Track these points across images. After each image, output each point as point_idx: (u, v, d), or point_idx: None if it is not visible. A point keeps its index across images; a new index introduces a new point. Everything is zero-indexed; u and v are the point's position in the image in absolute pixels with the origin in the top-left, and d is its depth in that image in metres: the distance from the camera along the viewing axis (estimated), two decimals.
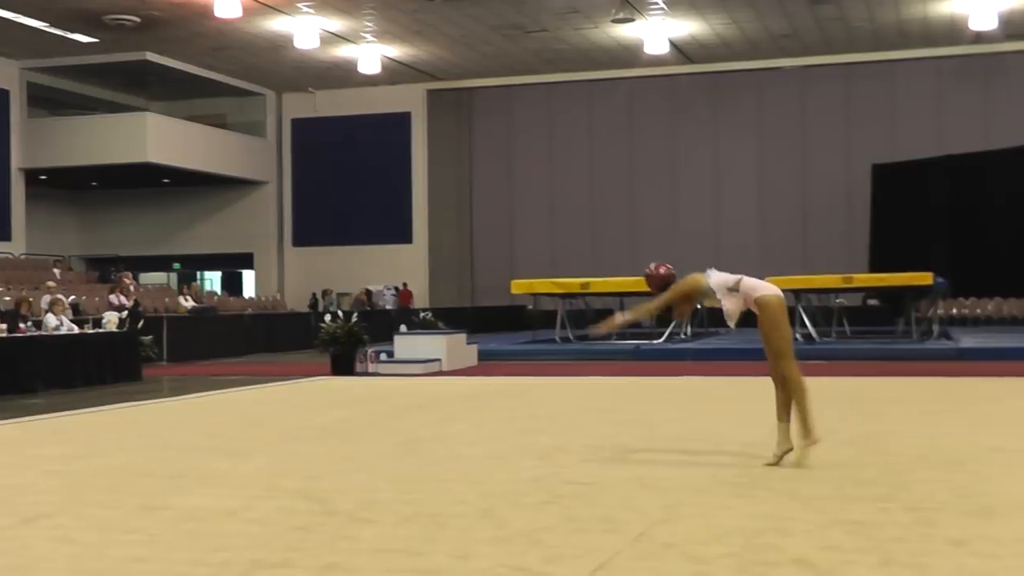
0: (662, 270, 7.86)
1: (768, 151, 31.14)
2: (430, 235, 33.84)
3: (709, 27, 27.12)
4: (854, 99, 30.52)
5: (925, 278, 19.66)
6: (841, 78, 30.52)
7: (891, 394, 12.33)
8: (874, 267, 27.62)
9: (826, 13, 25.96)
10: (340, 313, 18.22)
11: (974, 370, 15.40)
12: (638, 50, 28.03)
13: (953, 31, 27.37)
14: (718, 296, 7.59)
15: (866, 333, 22.96)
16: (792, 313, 20.71)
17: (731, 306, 7.55)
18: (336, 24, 26.49)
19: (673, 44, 28.08)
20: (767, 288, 7.62)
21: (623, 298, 23.89)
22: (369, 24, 26.60)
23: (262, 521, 5.82)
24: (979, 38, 27.65)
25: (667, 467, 7.39)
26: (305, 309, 29.91)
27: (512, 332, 27.12)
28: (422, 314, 20.87)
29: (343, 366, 16.97)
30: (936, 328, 20.92)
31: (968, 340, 20.01)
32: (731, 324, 7.71)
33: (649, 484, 6.70)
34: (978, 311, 28.10)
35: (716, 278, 7.67)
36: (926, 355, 18.14)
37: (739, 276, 7.66)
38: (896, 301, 24.28)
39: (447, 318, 21.79)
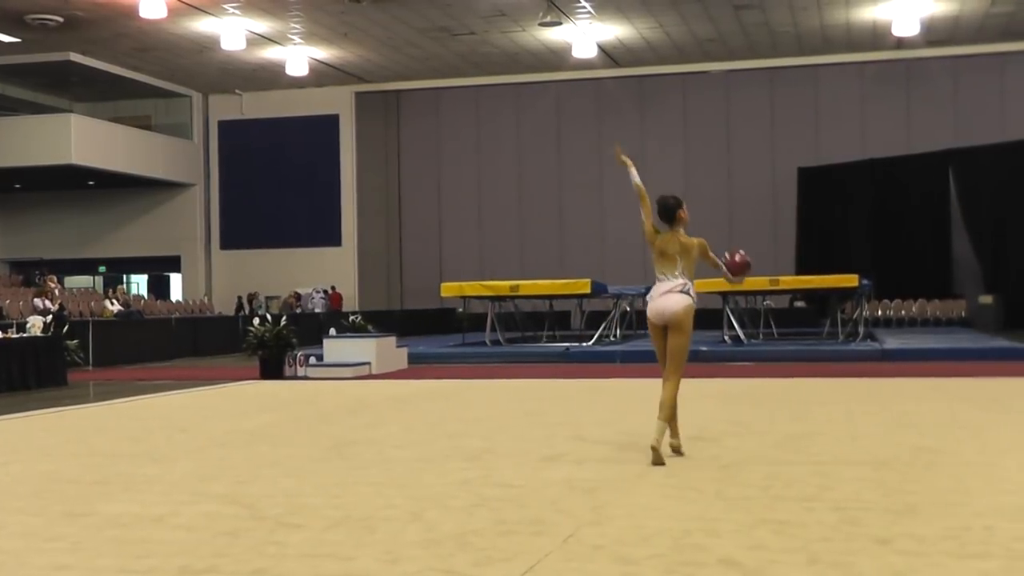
0: (736, 257, 8.31)
1: (695, 154, 31.42)
2: (359, 238, 33.69)
3: (635, 31, 27.29)
4: (779, 103, 30.90)
5: (850, 280, 19.93)
6: (766, 82, 30.88)
7: (817, 395, 12.48)
8: (800, 269, 27.97)
9: (751, 18, 26.23)
10: (269, 316, 18.06)
11: (898, 371, 15.63)
12: (565, 53, 28.13)
13: (876, 37, 27.81)
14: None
15: (793, 334, 23.22)
16: (720, 315, 20.98)
17: None
18: (262, 26, 26.28)
19: (600, 48, 28.22)
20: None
21: (552, 301, 24.00)
22: (296, 26, 26.43)
23: (189, 527, 5.74)
24: (901, 44, 28.12)
25: (596, 469, 7.40)
26: (233, 313, 29.64)
27: (442, 335, 27.09)
28: (351, 317, 20.72)
29: (272, 370, 16.83)
30: (861, 329, 21.20)
31: (892, 341, 20.32)
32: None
33: (578, 486, 6.71)
34: (902, 312, 28.56)
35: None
36: (851, 356, 18.39)
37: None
38: (822, 303, 24.61)
39: (376, 321, 21.68)
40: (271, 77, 31.06)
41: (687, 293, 7.80)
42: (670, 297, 7.74)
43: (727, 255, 8.30)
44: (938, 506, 5.97)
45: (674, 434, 7.93)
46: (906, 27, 25.41)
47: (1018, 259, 27.19)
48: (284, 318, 18.02)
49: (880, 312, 28.25)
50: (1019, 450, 7.92)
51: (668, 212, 8.18)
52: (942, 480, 6.75)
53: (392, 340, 18.42)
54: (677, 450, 7.87)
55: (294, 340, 17.25)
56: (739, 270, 8.29)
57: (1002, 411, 10.47)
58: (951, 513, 5.77)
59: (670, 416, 7.76)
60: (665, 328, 7.80)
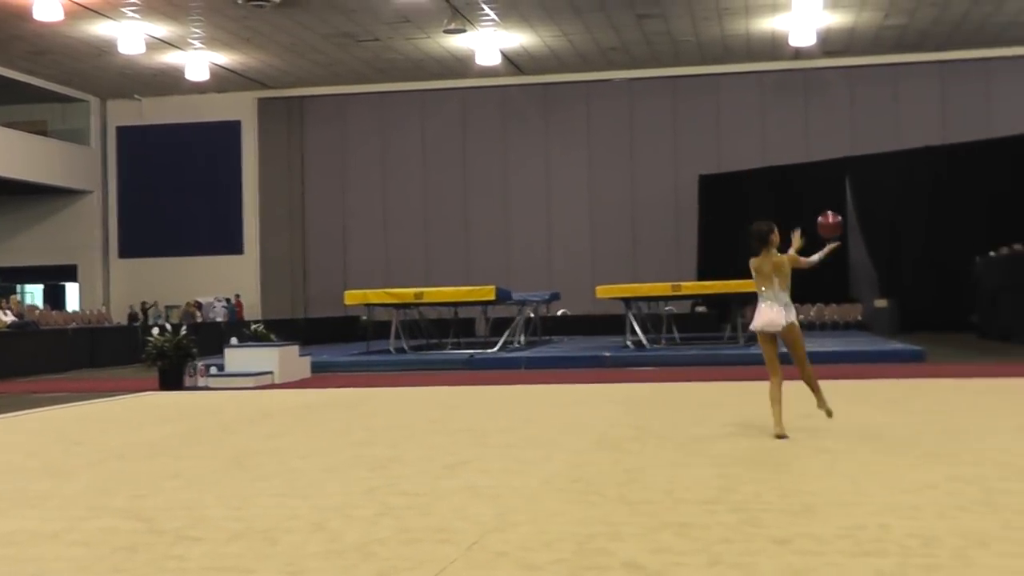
0: (830, 219, 9.57)
1: (598, 162, 31.65)
2: (262, 245, 33.35)
3: (539, 39, 27.42)
4: (681, 111, 31.27)
5: (750, 285, 20.17)
6: (669, 90, 31.23)
7: (718, 398, 12.63)
8: (702, 275, 28.32)
9: (653, 27, 26.52)
10: (168, 326, 17.77)
11: (796, 374, 15.86)
12: (470, 61, 28.17)
13: (774, 47, 28.28)
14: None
15: (694, 339, 23.47)
16: (622, 321, 21.15)
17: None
18: (163, 30, 25.90)
19: (504, 55, 28.30)
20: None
21: (457, 308, 23.98)
22: (197, 30, 26.09)
23: (85, 543, 5.63)
24: (799, 54, 28.64)
25: (500, 475, 7.41)
26: (134, 323, 29.13)
27: (346, 343, 26.92)
28: (253, 326, 20.49)
29: (172, 381, 16.56)
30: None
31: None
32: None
33: (482, 493, 6.71)
34: (801, 317, 28.96)
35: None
36: (752, 360, 18.61)
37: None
38: (723, 308, 24.90)
39: (279, 330, 21.47)
40: (172, 82, 30.62)
41: (785, 311, 9.13)
42: (772, 317, 9.12)
43: (820, 218, 9.59)
44: (835, 506, 6.08)
45: (821, 402, 9.37)
46: (803, 38, 25.88)
47: (912, 264, 27.84)
48: (184, 327, 17.74)
49: None
50: (910, 449, 8.10)
51: (761, 237, 9.34)
52: (839, 480, 6.88)
53: (295, 349, 18.25)
54: (829, 413, 9.33)
55: (194, 350, 16.99)
56: (831, 229, 9.62)
57: (897, 412, 10.70)
58: (848, 512, 5.87)
59: (816, 387, 9.35)
60: (774, 336, 9.20)
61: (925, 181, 27.77)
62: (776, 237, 9.27)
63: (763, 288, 9.21)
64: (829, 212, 9.55)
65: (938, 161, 27.89)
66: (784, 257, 9.17)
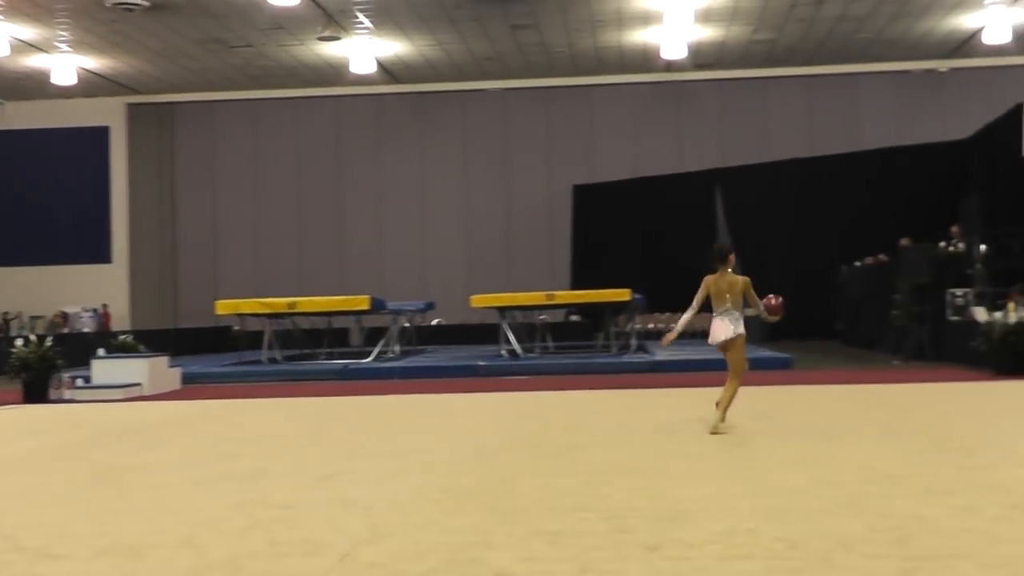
0: (773, 301, 10.11)
1: (473, 171, 31.71)
2: (131, 254, 32.63)
3: (414, 48, 27.38)
4: (555, 121, 31.50)
5: (623, 294, 20.46)
6: (543, 101, 31.43)
7: (591, 406, 12.74)
8: (576, 284, 28.56)
9: (527, 38, 26.68)
10: (33, 337, 17.28)
11: (668, 381, 16.12)
12: (344, 68, 27.97)
13: (647, 59, 28.67)
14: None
15: (568, 348, 23.65)
16: (497, 330, 21.22)
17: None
18: (28, 32, 25.18)
19: (379, 63, 28.18)
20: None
21: (331, 317, 23.79)
22: (64, 33, 25.43)
23: None
24: (670, 67, 29.08)
25: (372, 486, 7.37)
26: None
27: (218, 354, 26.49)
28: (121, 337, 20.02)
29: (36, 393, 16.09)
30: (633, 342, 21.78)
31: (662, 353, 20.93)
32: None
33: (354, 504, 6.66)
34: (672, 325, 29.42)
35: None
36: (624, 368, 18.86)
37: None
38: (596, 317, 25.16)
39: (149, 340, 21.01)
40: (37, 86, 29.78)
41: (736, 325, 9.99)
42: (723, 330, 10.02)
43: (767, 299, 10.13)
44: (704, 511, 6.17)
45: (721, 416, 9.87)
46: (675, 51, 26.27)
47: (779, 273, 28.46)
48: (49, 338, 17.27)
49: (651, 325, 29.08)
50: (777, 455, 8.27)
51: (722, 256, 10.16)
52: (707, 486, 6.99)
53: (165, 360, 17.89)
54: (715, 430, 9.69)
55: (60, 362, 16.54)
56: (775, 311, 10.14)
57: (765, 418, 10.92)
58: (716, 518, 5.97)
59: (728, 403, 9.91)
60: (724, 347, 10.09)
61: (792, 192, 28.45)
62: (733, 259, 10.15)
63: (718, 305, 10.10)
64: (774, 297, 10.19)
65: (804, 173, 28.60)
66: (740, 279, 10.03)
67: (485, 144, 31.74)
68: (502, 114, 31.69)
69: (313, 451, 9.36)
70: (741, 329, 10.03)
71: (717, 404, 10.01)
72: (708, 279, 10.16)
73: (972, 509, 6.06)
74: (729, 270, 10.09)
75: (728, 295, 10.03)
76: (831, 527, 5.67)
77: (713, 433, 9.61)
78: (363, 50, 26.68)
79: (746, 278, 10.07)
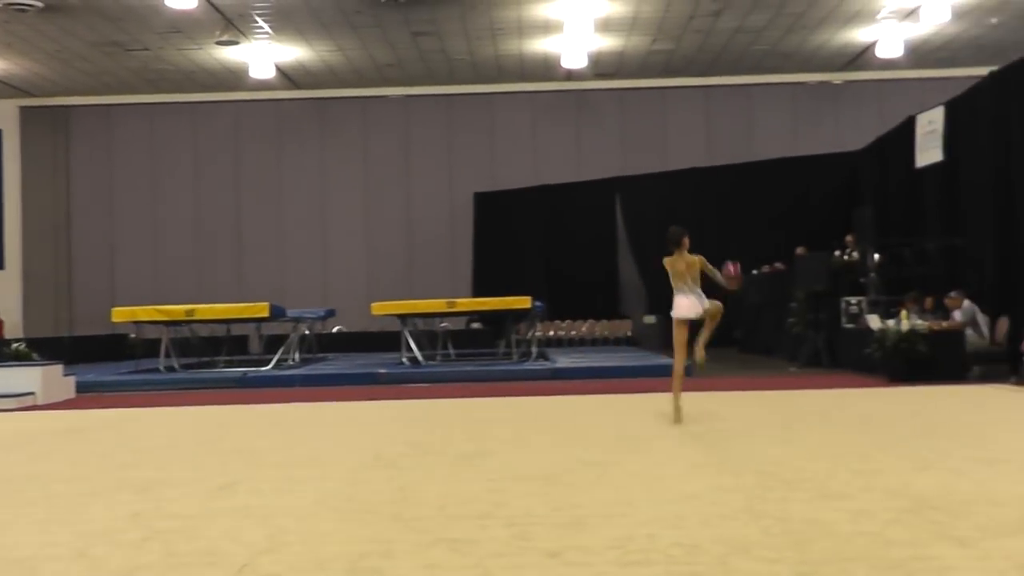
0: (732, 269, 10.93)
1: (374, 178, 31.57)
2: (24, 260, 31.88)
3: (315, 53, 27.20)
4: (456, 129, 31.51)
5: (524, 302, 20.52)
6: (444, 108, 31.43)
7: (493, 414, 12.75)
8: (477, 292, 28.59)
9: (428, 45, 26.66)
10: None
11: (568, 388, 16.20)
12: (243, 74, 27.70)
13: (547, 68, 28.83)
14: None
15: (469, 355, 23.66)
16: (398, 337, 21.14)
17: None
18: None
19: (279, 69, 27.95)
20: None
21: (230, 325, 23.49)
22: None
23: None
24: (571, 76, 29.29)
25: (272, 495, 7.29)
26: None
27: (114, 362, 25.98)
28: (14, 345, 19.53)
29: None
30: (534, 349, 21.86)
31: (563, 360, 21.06)
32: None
33: (253, 514, 6.58)
34: (573, 332, 29.63)
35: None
36: (525, 375, 18.91)
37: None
38: (497, 324, 25.19)
39: (43, 348, 20.50)
40: None
41: (700, 300, 10.74)
42: (689, 305, 10.75)
43: (725, 267, 10.93)
44: (604, 517, 6.21)
45: (699, 346, 11.08)
46: (575, 60, 26.47)
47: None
48: None
49: (552, 332, 29.23)
50: (676, 461, 8.36)
51: (676, 240, 10.82)
52: (608, 492, 7.03)
53: (59, 368, 17.50)
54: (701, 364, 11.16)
55: None
56: (734, 280, 10.87)
57: (664, 424, 11.03)
58: (616, 524, 6.01)
59: (703, 340, 10.98)
60: (688, 323, 10.81)
61: (691, 201, 28.80)
62: (687, 241, 10.79)
63: (678, 283, 10.82)
64: (731, 264, 11.01)
65: (703, 182, 28.98)
66: (696, 259, 10.73)
67: (386, 151, 31.63)
68: (404, 121, 31.62)
69: (212, 460, 9.23)
70: (706, 304, 10.80)
71: (676, 378, 11.09)
72: (667, 260, 10.91)
73: (866, 513, 6.18)
74: (685, 252, 10.78)
75: (687, 274, 10.77)
76: (729, 532, 5.75)
77: (701, 365, 11.18)
78: (262, 55, 26.44)
79: (701, 256, 10.77)
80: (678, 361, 11.06)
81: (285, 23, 24.52)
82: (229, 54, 26.77)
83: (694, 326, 11.07)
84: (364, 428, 11.64)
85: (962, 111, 20.29)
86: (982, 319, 17.00)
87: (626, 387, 16.01)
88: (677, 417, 10.88)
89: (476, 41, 26.43)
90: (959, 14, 24.06)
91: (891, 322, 16.53)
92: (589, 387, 16.21)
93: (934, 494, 6.72)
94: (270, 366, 20.60)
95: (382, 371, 18.99)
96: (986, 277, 18.64)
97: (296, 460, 9.04)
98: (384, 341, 25.41)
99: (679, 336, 10.98)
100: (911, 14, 24.03)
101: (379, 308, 21.08)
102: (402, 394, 16.04)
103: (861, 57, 28.26)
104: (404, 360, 20.70)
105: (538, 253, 29.93)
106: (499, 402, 14.35)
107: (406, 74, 29.62)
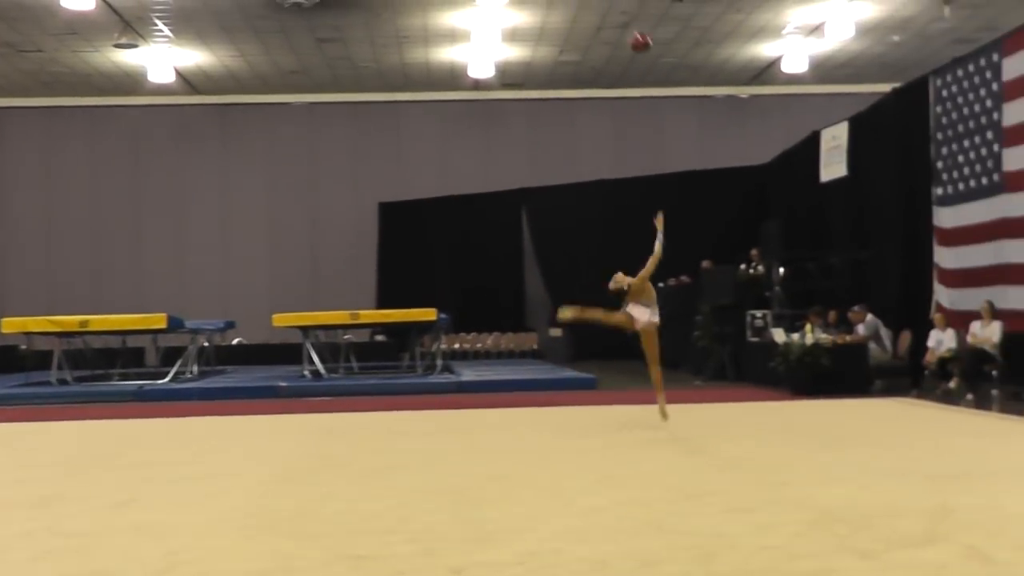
0: (642, 39, 12.00)
1: (278, 186, 31.28)
2: None
3: (216, 58, 26.90)
4: (362, 138, 31.36)
5: (429, 314, 20.49)
6: (350, 116, 31.28)
7: (397, 427, 12.71)
8: (381, 304, 28.47)
9: (333, 52, 26.53)
10: None
11: (474, 402, 16.21)
12: (142, 77, 27.29)
13: (454, 77, 28.85)
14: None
15: (373, 368, 23.55)
16: (300, 350, 20.97)
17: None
18: None
19: (179, 73, 27.60)
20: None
21: (126, 336, 23.10)
22: None
23: None
24: (478, 85, 29.36)
25: (170, 512, 7.18)
26: None
27: (3, 374, 25.38)
28: None
29: None
30: (439, 362, 21.83)
31: (468, 373, 21.06)
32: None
33: (150, 531, 6.48)
34: (479, 345, 29.63)
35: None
36: (430, 388, 18.88)
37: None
38: (402, 337, 25.11)
39: None
40: None
41: (653, 312, 11.69)
42: (646, 316, 11.61)
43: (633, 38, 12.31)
44: (510, 532, 6.23)
45: (662, 405, 11.91)
46: (481, 70, 26.53)
47: (587, 294, 28.90)
48: None
49: (458, 345, 29.21)
50: (583, 475, 8.41)
51: (618, 293, 11.69)
52: (514, 506, 7.06)
53: None
54: (664, 415, 11.80)
55: None
56: (641, 47, 11.79)
57: (571, 437, 11.09)
58: (522, 539, 6.03)
59: (660, 389, 11.91)
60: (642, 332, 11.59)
61: (599, 213, 28.98)
62: (621, 277, 11.79)
63: (631, 302, 11.67)
64: (637, 34, 11.45)
65: (611, 194, 29.17)
66: (643, 283, 11.65)
67: (290, 159, 31.37)
68: (308, 129, 31.40)
69: (108, 476, 9.07)
70: (656, 318, 11.65)
71: (657, 388, 11.94)
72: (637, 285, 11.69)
73: (771, 526, 6.28)
74: (627, 284, 11.72)
75: (642, 295, 11.69)
76: (635, 546, 5.80)
77: (665, 417, 11.73)
78: (162, 59, 26.09)
79: (642, 275, 11.65)
80: (654, 373, 12.03)
81: (185, 26, 24.22)
82: (127, 57, 26.35)
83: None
84: (265, 443, 11.53)
85: (866, 127, 20.76)
86: (885, 333, 17.38)
87: (532, 400, 16.07)
88: (663, 414, 11.90)
89: (382, 48, 26.37)
90: (863, 31, 24.60)
91: (795, 336, 16.83)
92: (495, 400, 16.24)
93: (838, 506, 6.85)
94: (167, 379, 20.29)
95: (283, 384, 18.82)
96: (889, 292, 19.07)
97: (194, 476, 8.92)
98: (286, 354, 25.17)
99: (648, 345, 11.88)
100: (816, 30, 24.51)
101: (281, 320, 20.90)
102: (304, 408, 15.91)
103: (767, 71, 28.76)
104: (306, 373, 20.53)
105: (444, 264, 29.90)
106: (404, 416, 14.31)
107: (311, 81, 29.43)
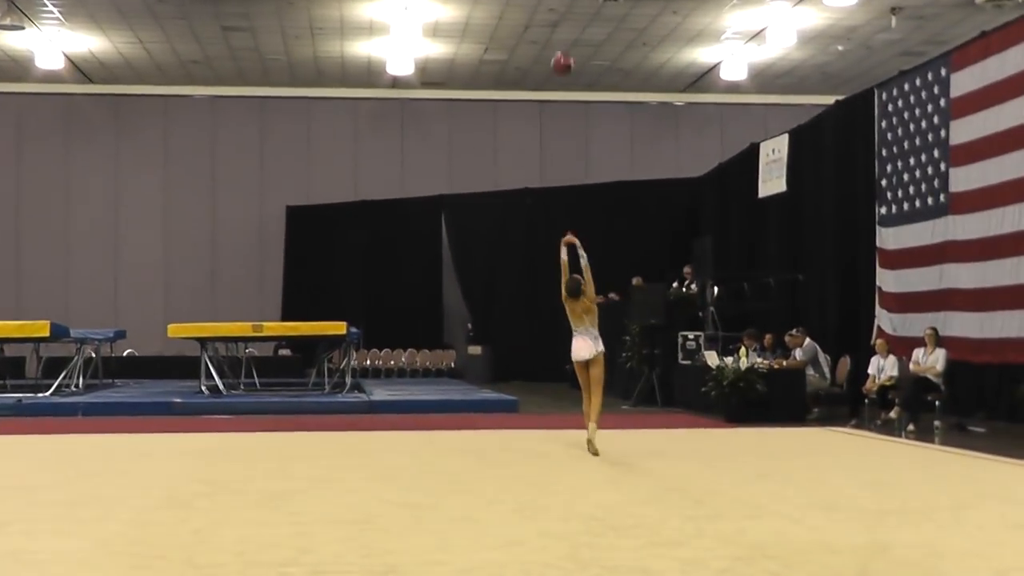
0: (564, 60, 12.27)
1: (176, 185, 30.92)
2: None
3: (111, 45, 26.59)
4: (269, 136, 31.14)
5: (338, 327, 20.39)
6: (256, 112, 31.05)
7: (301, 449, 12.63)
8: (287, 315, 28.28)
9: (240, 42, 26.34)
10: None
11: (386, 423, 16.16)
12: (29, 63, 26.89)
13: (371, 74, 28.81)
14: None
15: (277, 385, 23.39)
16: (198, 363, 20.76)
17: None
18: None
19: (69, 59, 27.23)
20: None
21: (5, 345, 22.70)
22: None
23: None
24: (396, 83, 29.32)
25: (48, 538, 7.07)
26: None
27: None
28: None
29: None
30: (348, 380, 21.73)
31: (380, 392, 20.99)
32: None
33: (25, 559, 6.38)
34: (392, 363, 29.56)
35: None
36: (338, 408, 18.79)
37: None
38: (309, 351, 24.97)
39: None
40: None
41: (593, 343, 11.83)
42: (583, 347, 11.83)
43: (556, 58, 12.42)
44: (420, 565, 6.21)
45: (591, 437, 11.79)
46: (400, 66, 26.50)
47: (505, 310, 29.01)
48: None
49: (369, 362, 29.11)
50: (500, 504, 8.42)
51: (574, 292, 11.97)
52: (425, 538, 7.04)
53: None
54: (595, 452, 11.64)
55: None
56: (563, 69, 12.17)
57: (486, 463, 11.09)
58: (432, 571, 6.02)
59: (598, 419, 11.86)
60: (587, 364, 11.87)
61: (523, 223, 29.05)
62: (583, 286, 11.96)
63: (577, 325, 11.93)
64: (560, 54, 11.80)
65: (536, 203, 29.25)
66: (589, 301, 11.98)
67: (190, 155, 31.04)
68: (210, 124, 31.11)
69: None
70: (601, 347, 11.85)
71: (587, 418, 11.93)
72: (568, 302, 12.03)
73: (698, 562, 6.33)
74: (583, 297, 11.95)
75: (586, 316, 11.94)
76: None
77: (594, 453, 11.57)
78: (51, 43, 25.74)
79: (591, 294, 12.07)
80: (584, 400, 12.12)
81: (77, 8, 23.91)
82: (12, 40, 25.94)
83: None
84: (155, 463, 11.39)
85: (806, 140, 21.06)
86: (823, 359, 17.56)
87: (448, 423, 16.05)
88: (591, 448, 11.75)
89: (293, 40, 26.23)
90: (805, 39, 24.96)
91: (729, 359, 16.97)
92: (408, 422, 16.20)
93: (769, 542, 6.92)
94: (49, 392, 19.99)
95: (177, 401, 18.63)
96: (828, 315, 19.33)
97: (76, 498, 8.79)
98: (181, 367, 24.89)
99: (581, 377, 12.08)
100: (756, 36, 24.82)
101: (176, 330, 20.70)
102: (200, 427, 15.75)
103: (704, 79, 29.06)
104: (203, 389, 20.34)
105: (356, 275, 29.77)
106: (308, 437, 14.22)
107: (214, 72, 29.20)
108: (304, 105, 31.03)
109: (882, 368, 16.39)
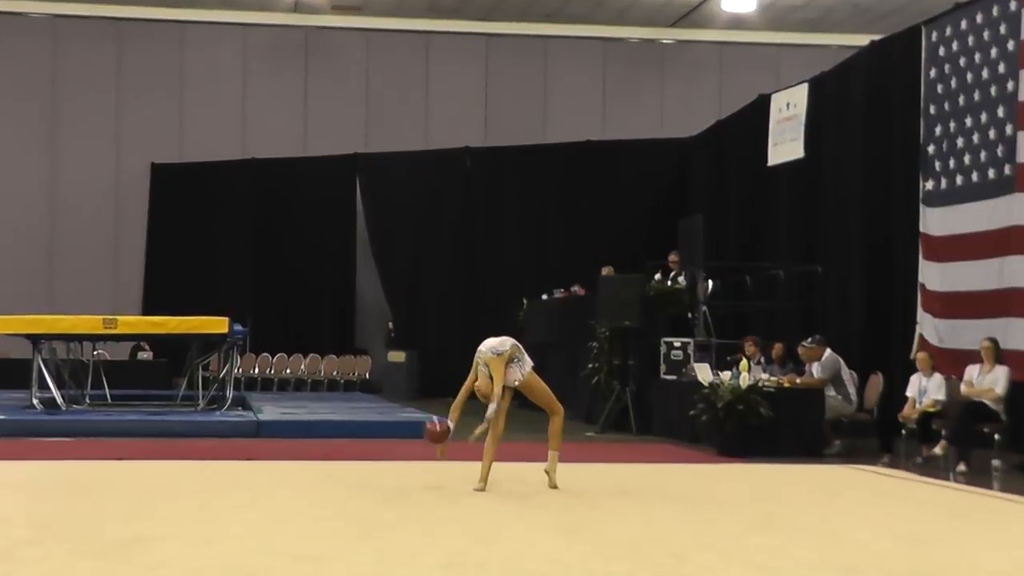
0: (439, 427, 12.38)
1: (5, 134, 30.61)
2: None
3: None
4: (130, 71, 30.86)
5: (218, 324, 20.25)
6: (113, 39, 30.74)
7: (165, 483, 12.55)
8: (149, 307, 28.13)
9: None
10: None
11: (278, 450, 16.08)
12: None
13: None
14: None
15: (135, 398, 23.27)
16: (27, 368, 20.57)
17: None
18: None
19: None
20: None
21: None
22: None
23: None
24: (298, 6, 29.19)
25: None
26: None
27: None
28: None
29: None
30: (231, 393, 21.62)
31: (271, 410, 20.90)
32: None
33: None
34: (287, 372, 29.47)
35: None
36: (215, 430, 18.69)
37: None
38: (178, 355, 24.82)
39: None
40: None
41: (521, 368, 12.54)
42: (516, 372, 12.48)
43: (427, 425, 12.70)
44: None
45: (551, 467, 12.55)
46: None
47: (436, 305, 28.93)
48: None
49: (258, 370, 29.01)
50: (423, 557, 8.39)
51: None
52: None
53: None
54: (553, 485, 12.36)
55: None
56: (438, 437, 12.35)
57: (406, 503, 11.07)
58: None
59: (559, 446, 12.70)
60: (512, 391, 12.67)
61: (460, 192, 28.97)
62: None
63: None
64: (436, 420, 12.62)
65: (477, 167, 29.13)
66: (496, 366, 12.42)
67: (23, 93, 30.74)
68: (50, 53, 30.81)
69: None
70: (527, 367, 12.53)
71: (485, 454, 12.40)
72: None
73: None
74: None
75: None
76: None
77: (552, 486, 12.26)
78: None
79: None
80: (490, 438, 12.54)
81: None
82: None
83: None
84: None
85: (831, 92, 21.08)
86: (848, 376, 17.46)
87: (358, 451, 16.02)
88: (551, 481, 12.44)
89: None
90: None
91: (726, 374, 16.95)
92: (306, 449, 16.14)
93: None
94: None
95: (1, 418, 18.51)
96: (854, 319, 19.37)
97: None
98: (7, 373, 24.74)
99: (537, 393, 12.86)
100: None
101: (2, 325, 20.54)
102: (31, 452, 15.64)
103: (699, 10, 29.10)
104: (35, 402, 20.21)
105: (241, 257, 29.62)
106: (175, 467, 14.15)
107: None
108: (175, 31, 30.81)
109: (924, 390, 16.28)
